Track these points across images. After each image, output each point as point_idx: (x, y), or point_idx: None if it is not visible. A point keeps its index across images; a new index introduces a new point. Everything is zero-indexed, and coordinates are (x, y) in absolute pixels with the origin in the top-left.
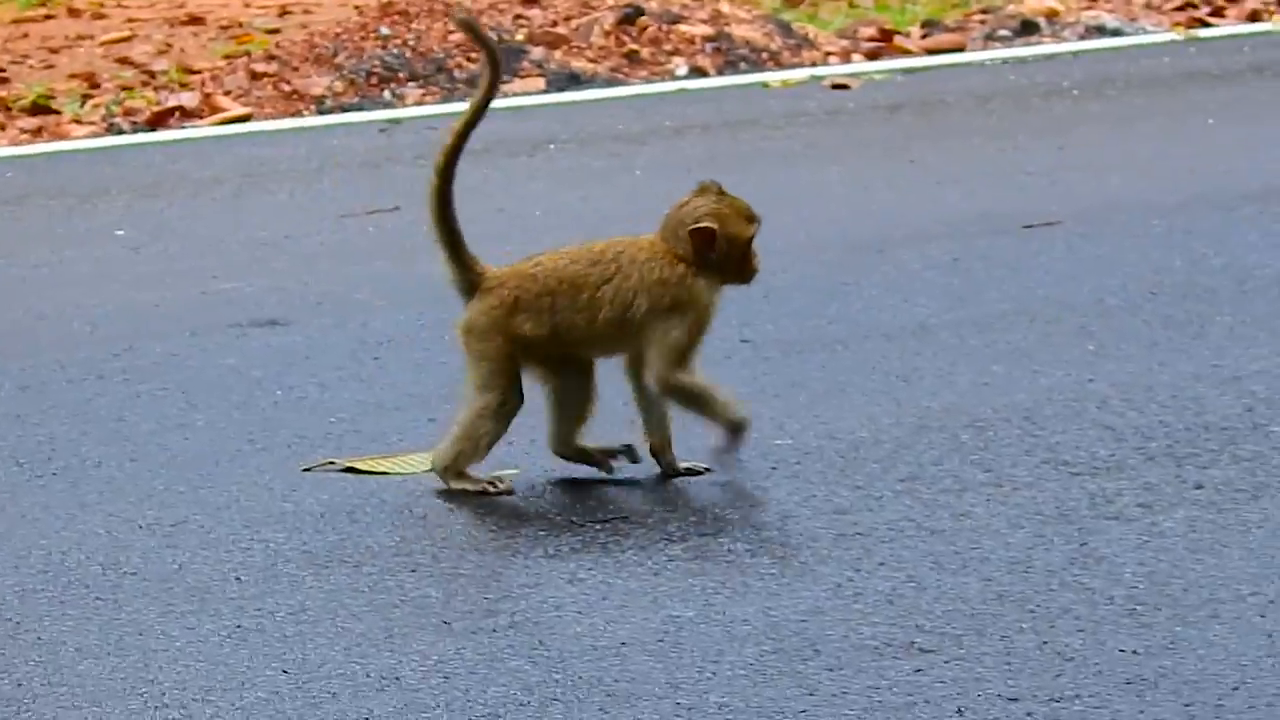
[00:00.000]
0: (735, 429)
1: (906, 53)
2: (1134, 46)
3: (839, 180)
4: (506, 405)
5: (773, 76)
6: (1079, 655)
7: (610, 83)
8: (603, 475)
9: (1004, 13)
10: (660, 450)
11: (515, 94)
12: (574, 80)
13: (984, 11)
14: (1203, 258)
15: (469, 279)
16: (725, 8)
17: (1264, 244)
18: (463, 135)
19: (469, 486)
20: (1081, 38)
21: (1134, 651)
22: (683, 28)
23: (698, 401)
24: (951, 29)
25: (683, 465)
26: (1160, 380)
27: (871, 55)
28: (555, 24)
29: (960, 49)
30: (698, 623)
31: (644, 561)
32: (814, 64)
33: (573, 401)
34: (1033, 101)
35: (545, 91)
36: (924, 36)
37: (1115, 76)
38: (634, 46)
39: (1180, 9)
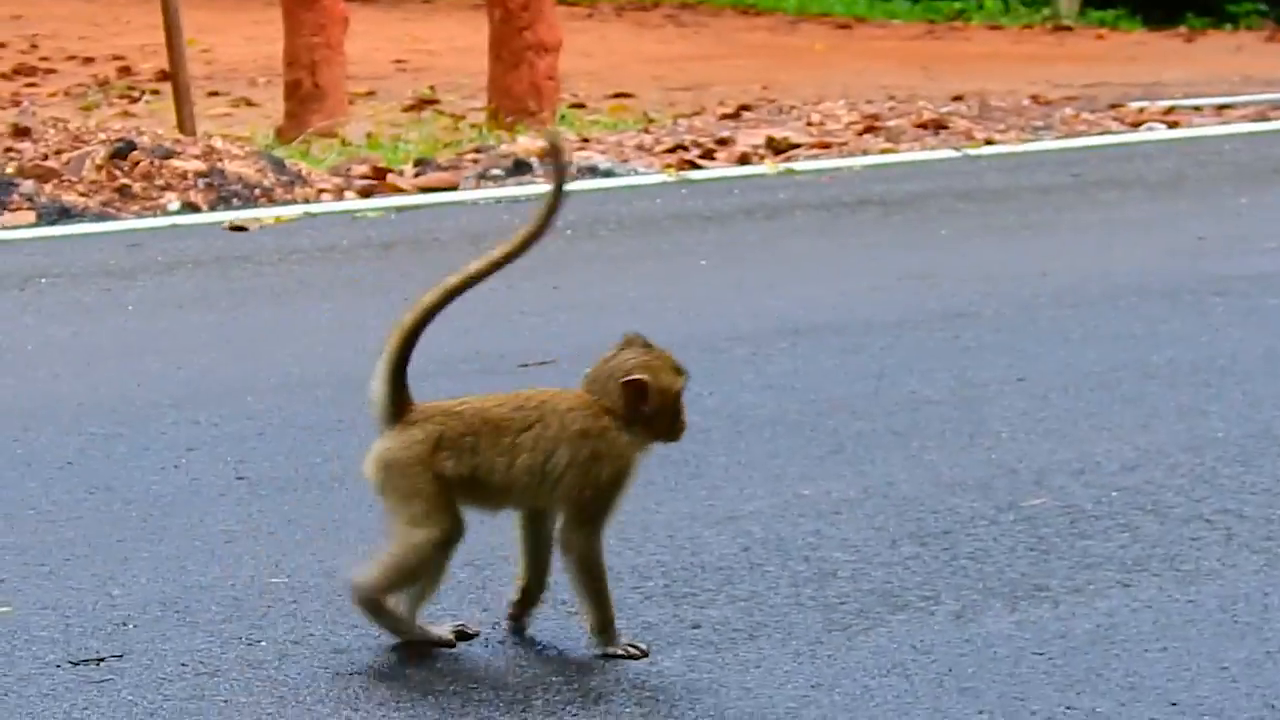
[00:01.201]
0: (604, 629)
1: (399, 190)
2: (626, 188)
3: (333, 318)
4: (450, 537)
5: (265, 213)
6: None
7: (101, 217)
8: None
9: (496, 152)
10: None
11: (4, 227)
12: (65, 214)
13: (477, 151)
14: (697, 398)
15: (398, 406)
16: (218, 143)
17: (757, 384)
18: (498, 265)
19: (386, 624)
20: (574, 178)
21: None
22: (175, 162)
23: (591, 577)
24: (444, 168)
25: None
26: (656, 520)
27: (365, 193)
28: (46, 157)
29: (453, 187)
30: None
31: (140, 701)
32: (307, 200)
33: (435, 576)
34: None
35: (36, 225)
36: (417, 175)
37: (608, 217)
38: (126, 181)
39: (671, 151)
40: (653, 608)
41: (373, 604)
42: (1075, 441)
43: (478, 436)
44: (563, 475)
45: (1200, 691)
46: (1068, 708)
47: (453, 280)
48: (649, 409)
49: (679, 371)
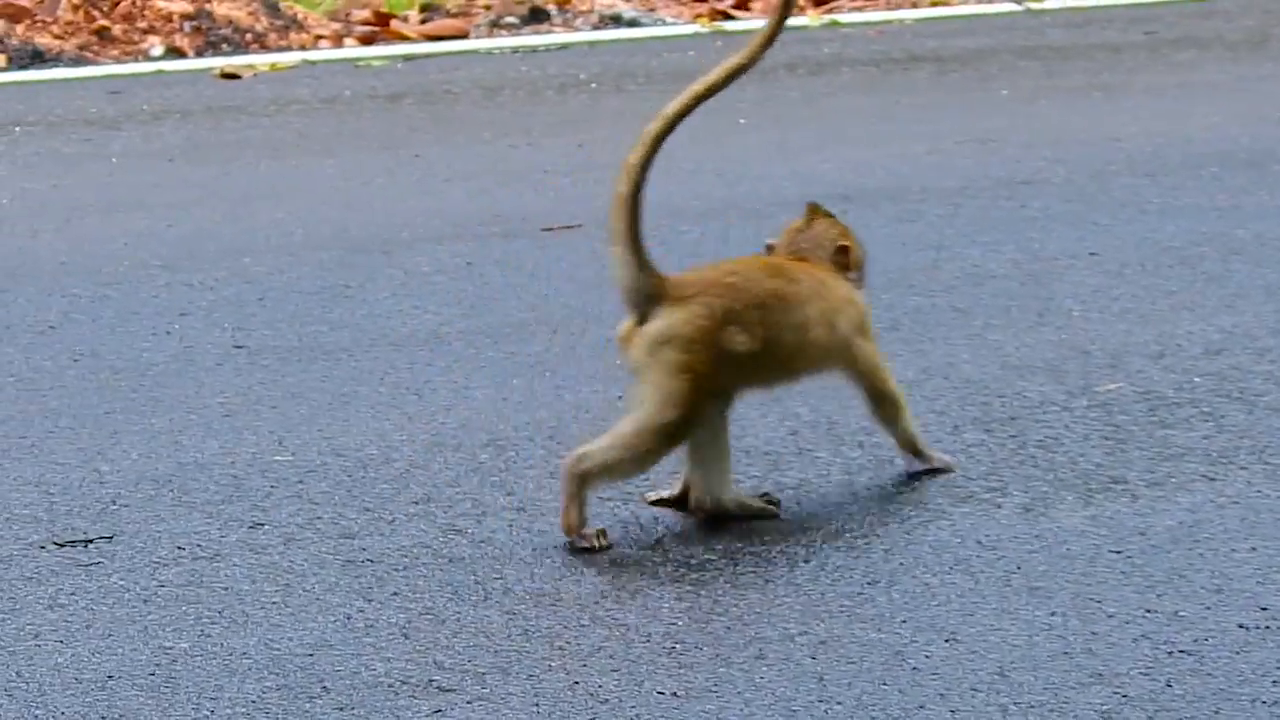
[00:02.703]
0: (917, 449)
1: (404, 38)
2: (654, 39)
3: (336, 174)
4: (685, 429)
5: (260, 60)
6: (614, 697)
7: (79, 61)
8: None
9: None
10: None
11: None
12: (39, 58)
13: None
14: None
15: (652, 285)
16: None
17: None
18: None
19: (578, 509)
20: (595, 27)
21: (674, 694)
22: (159, 3)
23: (903, 413)
24: (454, 14)
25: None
26: None
27: (366, 40)
28: None
29: (463, 35)
30: (193, 655)
31: (132, 587)
32: (304, 47)
33: (719, 445)
34: (547, 95)
35: (7, 69)
36: (423, 21)
37: (636, 70)
38: (104, 23)
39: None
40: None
41: (583, 483)
42: (1154, 322)
43: (765, 310)
44: (844, 340)
45: None
46: (1148, 611)
47: (654, 127)
48: (851, 276)
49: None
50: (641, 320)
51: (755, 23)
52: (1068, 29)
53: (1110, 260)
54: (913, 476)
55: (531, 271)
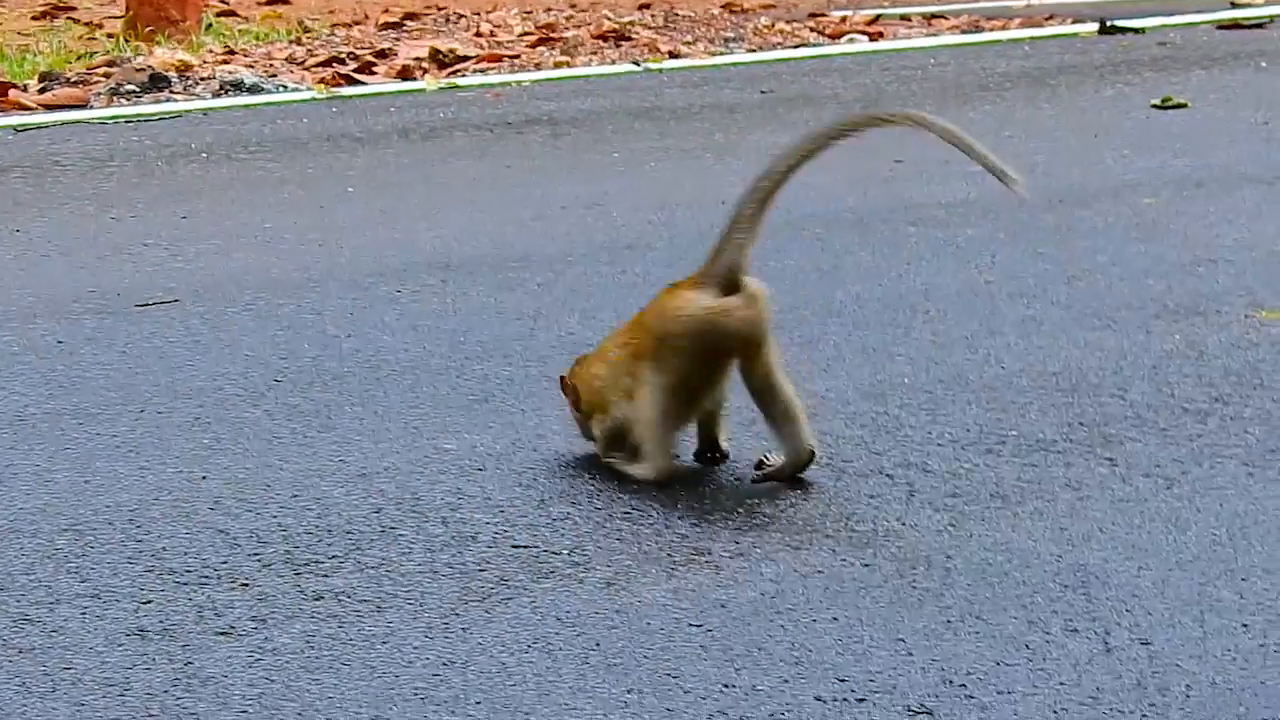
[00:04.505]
0: None
1: (24, 108)
2: (270, 104)
3: None
4: None
5: None
6: None
7: None
8: None
9: (131, 65)
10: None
11: None
12: None
13: (110, 64)
14: (333, 341)
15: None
16: None
17: (400, 326)
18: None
19: None
20: (216, 95)
21: None
22: None
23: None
24: (74, 83)
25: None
26: (280, 478)
27: None
28: None
29: (83, 104)
30: None
31: None
32: None
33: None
34: (156, 165)
35: None
36: (42, 90)
37: (248, 138)
38: None
39: (325, 64)
40: (271, 577)
41: None
42: (742, 389)
43: None
44: None
45: (871, 665)
46: (725, 685)
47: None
48: None
49: None
50: (731, 292)
51: (375, 87)
52: (685, 89)
53: None
54: (495, 551)
55: (123, 349)
